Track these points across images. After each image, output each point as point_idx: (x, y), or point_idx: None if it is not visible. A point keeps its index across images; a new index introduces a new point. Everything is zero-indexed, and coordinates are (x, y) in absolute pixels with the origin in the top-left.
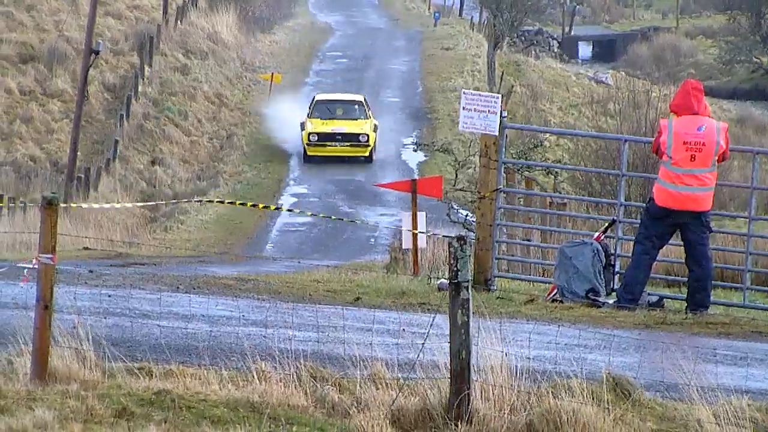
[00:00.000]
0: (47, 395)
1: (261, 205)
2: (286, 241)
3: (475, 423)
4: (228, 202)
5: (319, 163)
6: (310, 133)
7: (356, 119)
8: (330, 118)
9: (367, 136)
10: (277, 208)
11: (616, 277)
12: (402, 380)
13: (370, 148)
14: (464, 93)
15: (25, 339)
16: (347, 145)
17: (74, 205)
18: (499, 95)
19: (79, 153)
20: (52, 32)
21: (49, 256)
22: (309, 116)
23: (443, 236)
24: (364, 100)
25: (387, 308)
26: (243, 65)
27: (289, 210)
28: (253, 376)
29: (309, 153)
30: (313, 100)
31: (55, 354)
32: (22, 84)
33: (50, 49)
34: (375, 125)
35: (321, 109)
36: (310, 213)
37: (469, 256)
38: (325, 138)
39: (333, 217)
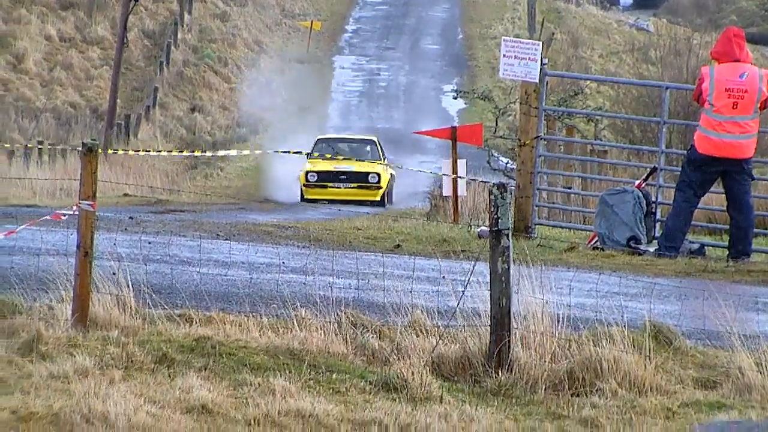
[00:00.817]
0: (88, 341)
1: (292, 151)
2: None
3: (515, 371)
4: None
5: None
6: (308, 172)
7: (366, 160)
8: (334, 158)
9: (378, 176)
10: (309, 155)
11: (657, 224)
12: (442, 328)
13: (382, 191)
14: (504, 40)
15: (65, 285)
16: (354, 187)
17: (121, 151)
18: (540, 42)
19: (118, 100)
20: None
21: (90, 202)
22: (309, 156)
23: (483, 183)
24: (378, 141)
25: (427, 255)
26: (282, 12)
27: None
28: (293, 324)
29: (306, 196)
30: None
31: (95, 300)
32: (61, 30)
33: None
34: (392, 174)
35: (324, 148)
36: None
37: (510, 203)
38: (326, 177)
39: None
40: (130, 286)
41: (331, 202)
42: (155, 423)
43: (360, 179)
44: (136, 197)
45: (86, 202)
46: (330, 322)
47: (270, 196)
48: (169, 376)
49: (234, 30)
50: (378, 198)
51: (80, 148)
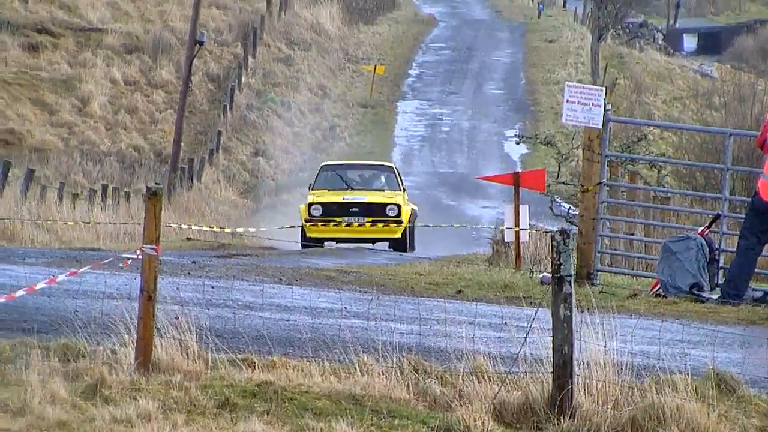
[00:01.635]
0: (150, 385)
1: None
2: None
3: (577, 417)
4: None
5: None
6: (311, 204)
7: (382, 190)
8: (343, 189)
9: (398, 208)
10: (312, 186)
11: (721, 272)
12: (504, 374)
13: (402, 228)
14: (568, 85)
15: (129, 329)
16: (367, 223)
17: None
18: (603, 88)
19: (182, 144)
20: (156, 22)
21: (153, 246)
22: (311, 188)
23: (546, 230)
24: (396, 169)
25: (489, 301)
26: (346, 56)
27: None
28: (356, 369)
29: (309, 234)
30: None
31: (158, 344)
32: (126, 74)
33: (155, 40)
34: (413, 210)
35: (329, 178)
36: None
37: (572, 249)
38: (334, 211)
39: (432, 225)
40: (193, 330)
41: (340, 241)
42: None
43: (375, 212)
44: (198, 241)
45: (150, 246)
46: (392, 368)
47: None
48: (232, 421)
49: (297, 74)
50: (398, 235)
51: (144, 192)
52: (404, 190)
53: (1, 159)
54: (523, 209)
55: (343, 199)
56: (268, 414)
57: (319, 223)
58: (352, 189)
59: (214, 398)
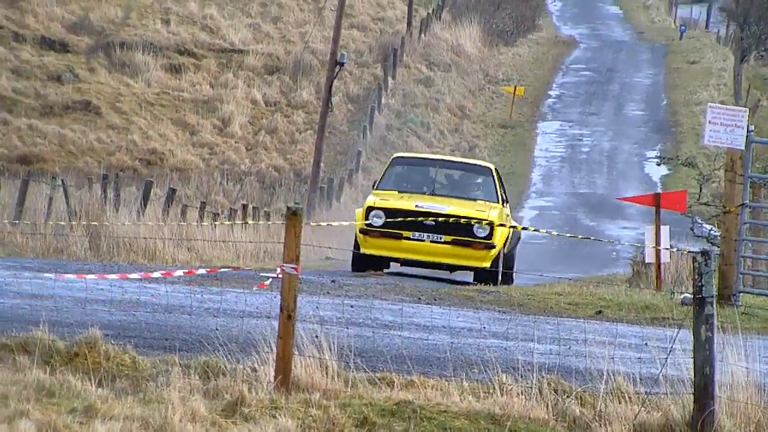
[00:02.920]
0: (290, 404)
1: (497, 223)
2: (526, 253)
3: None
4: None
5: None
6: (370, 209)
7: (473, 200)
8: (418, 193)
9: (490, 228)
10: (512, 227)
11: None
12: (645, 395)
13: (494, 253)
14: (710, 107)
15: (269, 347)
16: (446, 242)
17: (324, 223)
18: (746, 109)
19: (322, 164)
20: (297, 44)
21: (293, 265)
22: (375, 186)
23: (687, 251)
24: (496, 172)
25: (629, 322)
26: (485, 77)
27: (523, 228)
28: (495, 388)
29: (365, 250)
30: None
31: (297, 363)
32: (267, 95)
33: (295, 61)
34: (513, 229)
35: (402, 175)
36: (555, 232)
37: (714, 271)
38: (401, 222)
39: (568, 235)
40: (333, 349)
41: (405, 264)
42: None
43: (458, 230)
44: (338, 260)
45: (290, 265)
46: (531, 388)
47: None
48: None
49: (437, 95)
50: (486, 264)
51: (284, 212)
52: (505, 201)
53: (143, 178)
54: (664, 230)
55: (416, 206)
56: None
57: (380, 237)
58: (433, 195)
59: (353, 417)
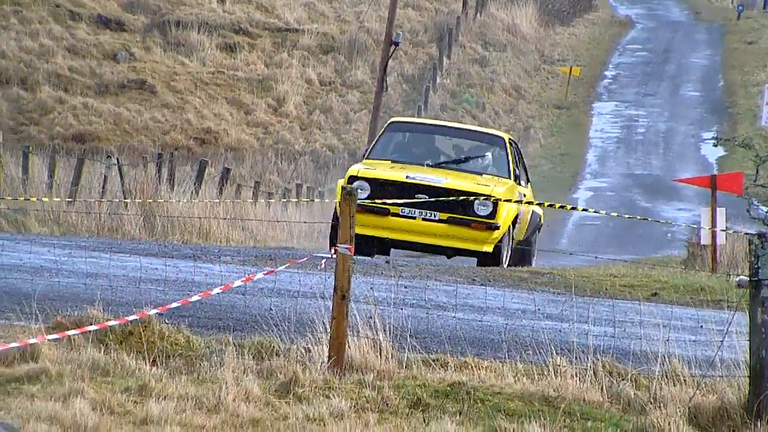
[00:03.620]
0: (343, 384)
1: (557, 205)
2: (581, 235)
3: None
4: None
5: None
6: (352, 177)
7: (479, 173)
8: (416, 164)
9: (493, 206)
10: (568, 207)
11: None
12: (700, 377)
13: (497, 236)
14: (767, 88)
15: (323, 328)
16: (441, 221)
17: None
18: None
19: None
20: (352, 23)
21: (347, 246)
22: (366, 155)
23: (744, 233)
24: (511, 143)
25: (685, 304)
26: (541, 57)
27: (580, 209)
28: (549, 370)
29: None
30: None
31: (351, 343)
32: (322, 74)
33: (350, 40)
34: (535, 213)
35: (399, 143)
36: (603, 212)
37: None
38: (388, 195)
39: (627, 215)
40: (387, 329)
41: (393, 246)
42: None
43: (456, 207)
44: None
45: (344, 245)
46: (585, 370)
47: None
48: (424, 421)
49: (492, 75)
50: (489, 248)
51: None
52: (520, 178)
53: (198, 158)
54: (720, 212)
55: (407, 177)
56: (460, 414)
57: (365, 212)
58: (432, 166)
59: (406, 398)
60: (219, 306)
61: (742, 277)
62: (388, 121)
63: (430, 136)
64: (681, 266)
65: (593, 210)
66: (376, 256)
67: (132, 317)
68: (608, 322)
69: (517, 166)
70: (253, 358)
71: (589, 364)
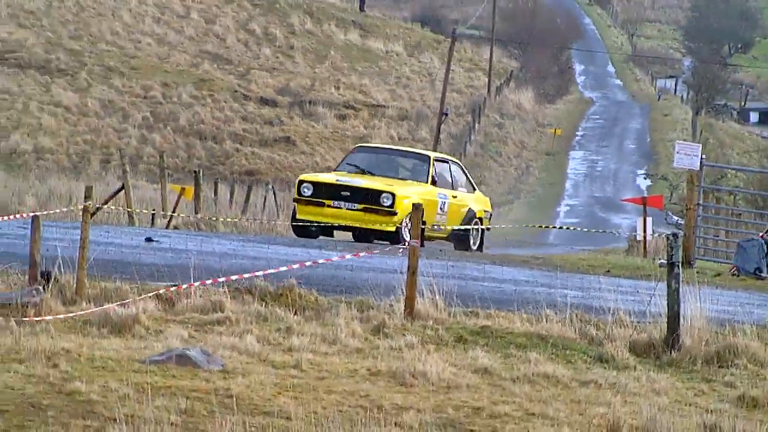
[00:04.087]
0: (413, 327)
1: (539, 226)
2: (562, 233)
3: (682, 351)
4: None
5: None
6: (302, 182)
7: (402, 179)
8: (358, 172)
9: (393, 197)
10: (548, 226)
11: None
12: (636, 323)
13: (396, 219)
14: (677, 143)
15: (401, 292)
16: (359, 209)
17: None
18: (699, 144)
19: None
20: (418, 101)
21: (416, 241)
22: (335, 169)
23: (663, 233)
24: (434, 160)
25: (627, 277)
26: (536, 123)
27: (557, 227)
28: (542, 318)
29: (299, 215)
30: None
31: (418, 301)
32: (399, 134)
33: (417, 112)
34: (444, 199)
35: (357, 160)
36: (573, 228)
37: (680, 246)
38: (324, 193)
39: (585, 229)
40: (441, 293)
41: (332, 229)
42: (455, 378)
43: (369, 200)
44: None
45: (414, 240)
46: (565, 318)
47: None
48: (464, 350)
49: (506, 134)
50: (392, 228)
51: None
52: (435, 183)
53: None
54: (649, 220)
55: (337, 180)
56: (486, 346)
57: (309, 204)
58: (366, 173)
59: (453, 335)
60: (335, 277)
61: (662, 260)
62: (356, 145)
63: (380, 155)
64: (624, 253)
65: (565, 227)
66: (320, 237)
67: (281, 284)
68: (579, 288)
69: (439, 175)
70: (357, 310)
71: (567, 315)
